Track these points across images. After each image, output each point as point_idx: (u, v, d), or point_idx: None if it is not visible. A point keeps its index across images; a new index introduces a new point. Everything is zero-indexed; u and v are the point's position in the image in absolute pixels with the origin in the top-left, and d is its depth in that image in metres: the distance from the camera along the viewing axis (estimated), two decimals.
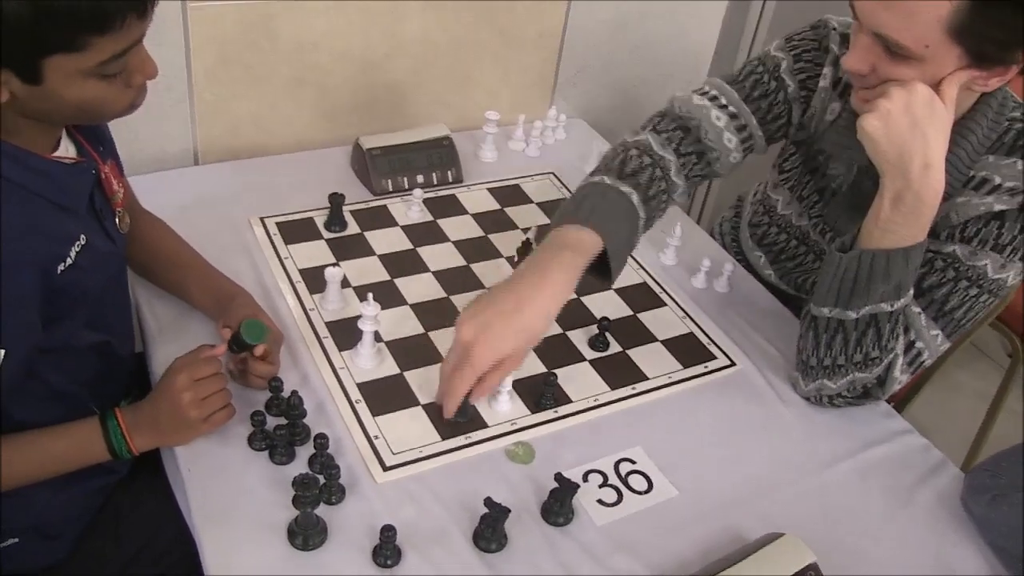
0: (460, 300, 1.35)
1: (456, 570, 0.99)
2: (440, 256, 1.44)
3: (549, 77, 1.87)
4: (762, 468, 1.18)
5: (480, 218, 1.54)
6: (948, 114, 1.05)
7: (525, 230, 1.49)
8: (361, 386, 1.18)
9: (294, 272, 1.35)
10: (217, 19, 1.48)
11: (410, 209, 1.51)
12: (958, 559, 1.11)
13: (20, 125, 0.91)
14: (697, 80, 1.65)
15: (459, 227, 1.51)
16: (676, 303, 1.42)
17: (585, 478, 1.11)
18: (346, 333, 1.24)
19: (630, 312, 1.39)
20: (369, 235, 1.45)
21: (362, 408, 1.15)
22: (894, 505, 1.16)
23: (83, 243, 0.97)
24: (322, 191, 1.46)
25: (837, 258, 1.14)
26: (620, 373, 1.27)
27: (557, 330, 1.33)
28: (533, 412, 1.19)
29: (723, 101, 1.28)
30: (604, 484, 1.11)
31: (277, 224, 1.44)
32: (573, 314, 1.36)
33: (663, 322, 1.38)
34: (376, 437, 1.12)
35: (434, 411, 1.16)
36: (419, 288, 1.36)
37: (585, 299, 1.39)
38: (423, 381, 1.20)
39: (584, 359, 1.29)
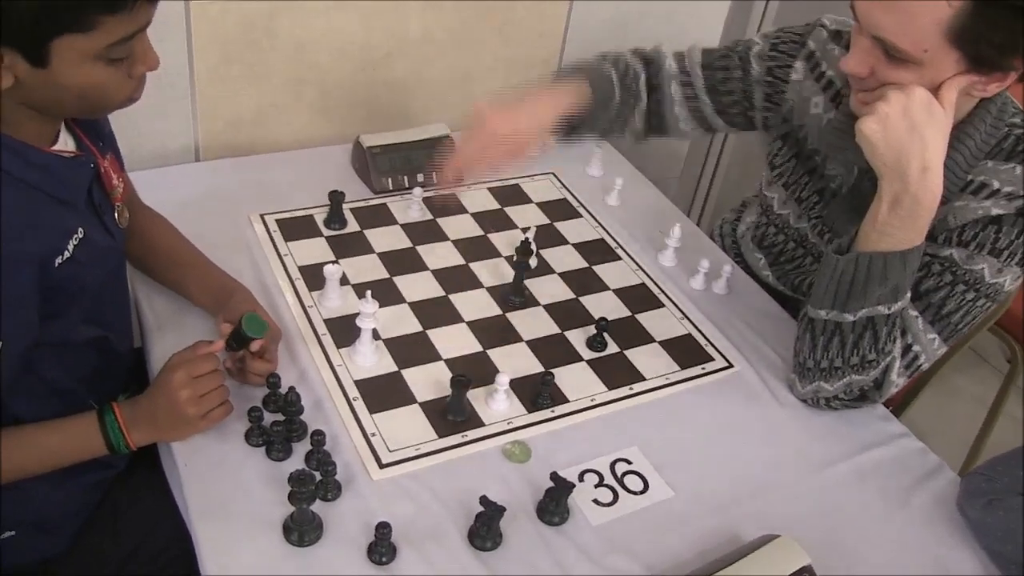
0: (459, 299, 1.35)
1: (451, 568, 0.99)
2: (439, 255, 1.44)
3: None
4: (758, 470, 1.18)
5: (480, 217, 1.54)
6: (947, 118, 1.05)
7: (524, 230, 1.49)
8: (359, 383, 1.18)
9: (293, 269, 1.35)
10: (219, 17, 1.48)
11: (410, 208, 1.51)
12: (954, 563, 1.11)
13: (19, 117, 0.91)
14: None
15: (459, 226, 1.51)
16: (674, 304, 1.43)
17: (581, 478, 1.11)
18: (344, 330, 1.24)
19: (628, 313, 1.39)
20: (369, 233, 1.45)
21: (359, 405, 1.15)
22: (890, 508, 1.16)
23: (81, 237, 0.97)
24: (322, 189, 1.46)
25: (834, 260, 1.14)
26: (617, 373, 1.28)
27: (555, 330, 1.33)
28: (530, 411, 1.19)
29: (689, 80, 1.40)
30: (600, 484, 1.11)
31: (277, 221, 1.44)
32: (571, 314, 1.36)
33: (661, 323, 1.38)
34: (373, 434, 1.12)
35: (432, 409, 1.16)
36: (418, 286, 1.36)
37: (583, 299, 1.40)
38: (421, 379, 1.20)
39: (581, 359, 1.29)
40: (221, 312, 1.17)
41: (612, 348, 1.32)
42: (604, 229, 1.57)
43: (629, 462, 1.15)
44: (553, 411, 1.20)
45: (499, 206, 1.58)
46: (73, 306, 1.01)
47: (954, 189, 1.16)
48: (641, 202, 1.66)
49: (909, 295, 1.16)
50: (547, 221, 1.56)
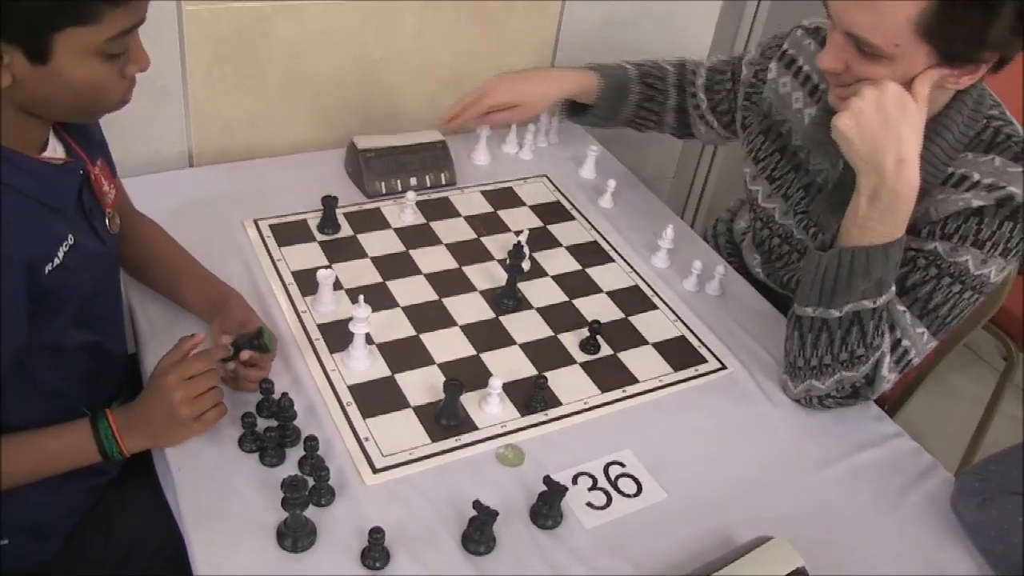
0: (452, 303, 1.35)
1: (444, 572, 0.99)
2: (433, 259, 1.44)
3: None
4: (752, 471, 1.18)
5: (473, 221, 1.54)
6: (921, 111, 1.07)
7: (518, 233, 1.49)
8: (352, 388, 1.18)
9: (287, 274, 1.35)
10: (212, 20, 1.48)
11: (403, 211, 1.51)
12: (948, 562, 1.11)
13: (9, 123, 0.91)
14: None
15: (452, 230, 1.51)
16: (667, 306, 1.43)
17: (574, 481, 1.11)
18: (338, 335, 1.24)
19: (621, 315, 1.39)
20: (362, 237, 1.45)
21: (353, 410, 1.15)
22: (884, 508, 1.16)
23: (71, 243, 0.97)
24: (315, 193, 1.46)
25: (817, 257, 1.15)
26: (611, 376, 1.28)
27: (548, 333, 1.33)
28: (523, 415, 1.19)
29: (695, 92, 1.56)
30: (593, 487, 1.11)
31: (270, 226, 1.44)
32: (564, 317, 1.36)
33: (654, 325, 1.38)
34: (366, 439, 1.12)
35: (425, 413, 1.16)
36: (411, 291, 1.36)
37: (576, 302, 1.40)
38: (414, 383, 1.20)
39: (575, 362, 1.29)
40: (215, 318, 1.17)
41: (605, 350, 1.32)
42: (597, 231, 1.57)
43: (622, 465, 1.15)
44: (546, 414, 1.20)
45: (492, 209, 1.58)
46: (64, 311, 1.01)
47: (934, 182, 1.17)
48: (634, 204, 1.66)
49: (894, 289, 1.17)
50: (540, 224, 1.56)
